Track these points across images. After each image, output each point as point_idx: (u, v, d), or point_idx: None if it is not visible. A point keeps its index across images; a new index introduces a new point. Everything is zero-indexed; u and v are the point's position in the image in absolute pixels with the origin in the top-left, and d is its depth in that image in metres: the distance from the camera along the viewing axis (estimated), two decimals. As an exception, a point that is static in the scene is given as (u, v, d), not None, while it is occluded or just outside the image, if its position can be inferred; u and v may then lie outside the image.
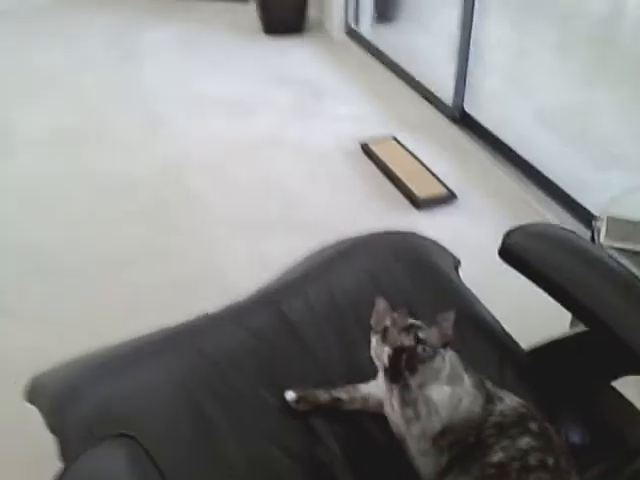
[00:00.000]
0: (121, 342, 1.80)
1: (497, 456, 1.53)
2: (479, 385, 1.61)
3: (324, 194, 3.95)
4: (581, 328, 1.84)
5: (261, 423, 1.66)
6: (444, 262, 2.14)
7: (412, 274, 2.04)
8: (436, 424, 1.55)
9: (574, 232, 1.97)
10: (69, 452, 1.46)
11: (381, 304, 1.67)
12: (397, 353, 1.49)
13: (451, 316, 1.58)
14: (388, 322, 1.59)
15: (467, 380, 1.60)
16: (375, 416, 1.68)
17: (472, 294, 2.01)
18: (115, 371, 1.68)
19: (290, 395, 1.73)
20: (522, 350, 1.93)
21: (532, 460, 1.52)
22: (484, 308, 2.01)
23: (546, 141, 4.15)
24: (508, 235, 1.88)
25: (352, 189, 4.00)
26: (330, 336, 1.88)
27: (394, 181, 4.03)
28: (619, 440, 1.71)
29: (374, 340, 1.61)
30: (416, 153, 4.31)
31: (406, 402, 1.54)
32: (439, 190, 3.92)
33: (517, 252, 1.84)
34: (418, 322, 1.57)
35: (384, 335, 1.56)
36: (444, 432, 1.55)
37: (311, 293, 2.01)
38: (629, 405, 1.80)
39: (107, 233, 3.48)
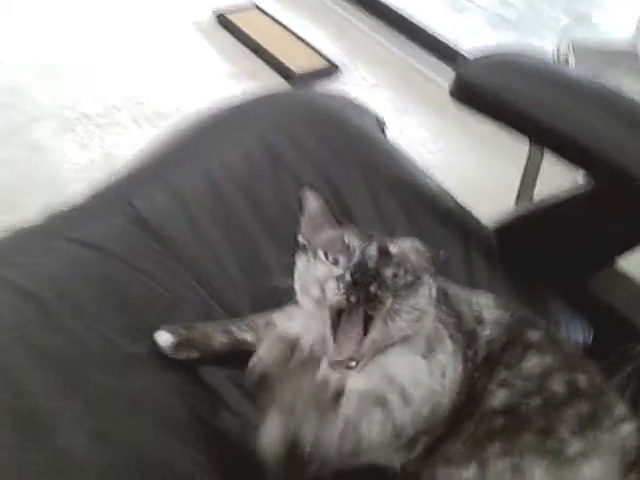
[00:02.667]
0: None
1: (498, 397, 0.97)
2: (457, 327, 1.03)
3: (177, 77, 3.14)
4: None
5: (121, 389, 0.99)
6: (366, 124, 1.51)
7: (328, 142, 1.41)
8: (407, 418, 0.95)
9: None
10: None
11: (312, 201, 1.04)
12: (356, 282, 0.89)
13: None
14: (329, 233, 1.00)
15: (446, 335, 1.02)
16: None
17: (411, 162, 1.41)
18: None
19: (163, 337, 1.07)
20: (488, 230, 1.38)
21: (556, 386, 0.98)
22: (430, 179, 1.43)
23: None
24: (464, 69, 1.27)
25: (211, 69, 3.27)
26: (213, 244, 1.22)
27: (262, 56, 3.32)
28: (629, 332, 1.26)
29: (303, 261, 0.99)
30: (284, 22, 3.58)
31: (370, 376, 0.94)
32: (317, 62, 3.28)
33: (479, 86, 1.24)
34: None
35: (326, 253, 0.95)
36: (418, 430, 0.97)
37: (177, 181, 1.31)
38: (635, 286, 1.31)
39: None
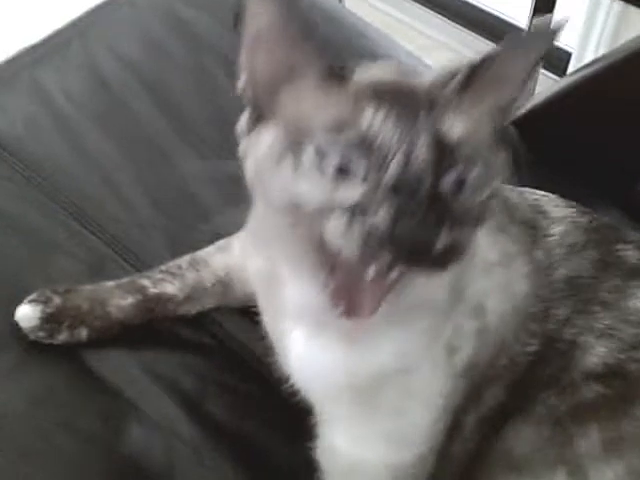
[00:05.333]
0: None
1: (596, 354, 0.60)
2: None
3: None
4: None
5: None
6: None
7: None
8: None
9: None
10: None
11: (265, 17, 0.50)
12: (397, 234, 0.46)
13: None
14: (321, 100, 0.50)
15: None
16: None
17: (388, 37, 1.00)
18: None
19: (25, 314, 0.66)
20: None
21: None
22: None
23: None
24: None
25: None
26: (102, 164, 0.81)
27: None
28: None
29: (270, 138, 0.51)
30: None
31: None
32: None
33: None
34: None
35: (320, 150, 0.48)
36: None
37: (46, 80, 0.87)
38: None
39: None
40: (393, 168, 0.46)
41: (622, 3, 1.80)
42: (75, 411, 0.62)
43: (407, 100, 0.49)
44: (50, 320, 0.66)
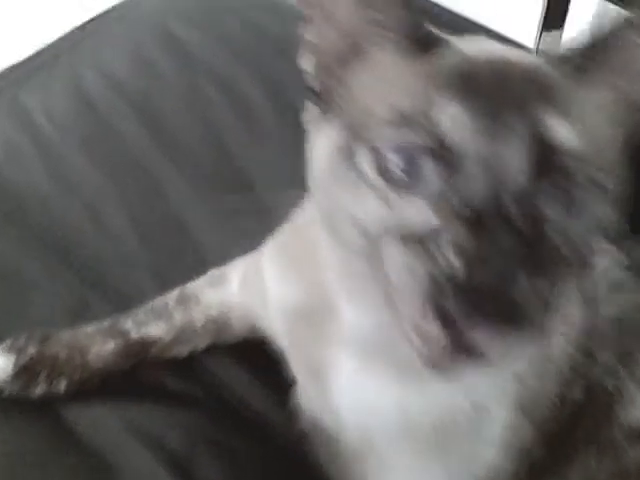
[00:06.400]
0: None
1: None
2: None
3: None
4: None
5: None
6: None
7: (263, 29, 0.93)
8: None
9: None
10: None
11: None
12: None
13: None
14: (395, 89, 0.40)
15: None
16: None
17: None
18: None
19: None
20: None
21: None
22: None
23: None
24: None
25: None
26: (85, 191, 0.77)
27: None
28: None
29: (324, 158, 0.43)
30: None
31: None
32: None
33: None
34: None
35: (379, 152, 0.38)
36: None
37: (27, 102, 0.82)
38: None
39: None
40: (476, 183, 0.35)
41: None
42: (48, 474, 0.56)
43: (502, 91, 0.37)
44: (25, 372, 0.59)
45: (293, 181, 0.79)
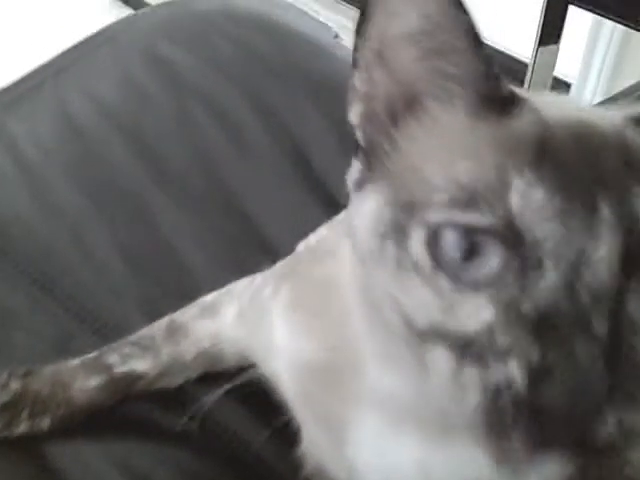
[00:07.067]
0: None
1: None
2: None
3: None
4: None
5: None
6: (312, 29, 1.02)
7: (255, 51, 0.91)
8: None
9: None
10: None
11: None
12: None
13: None
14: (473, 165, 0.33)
15: None
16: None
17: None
18: None
19: None
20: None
21: None
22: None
23: None
24: None
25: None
26: (70, 219, 0.73)
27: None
28: None
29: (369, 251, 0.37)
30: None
31: None
32: None
33: None
34: None
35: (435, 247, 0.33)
36: None
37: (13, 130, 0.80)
38: None
39: None
40: (551, 279, 0.29)
41: (623, 33, 1.75)
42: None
43: (589, 168, 0.31)
44: (7, 409, 0.57)
45: (286, 205, 0.78)
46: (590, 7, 1.15)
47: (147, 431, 0.61)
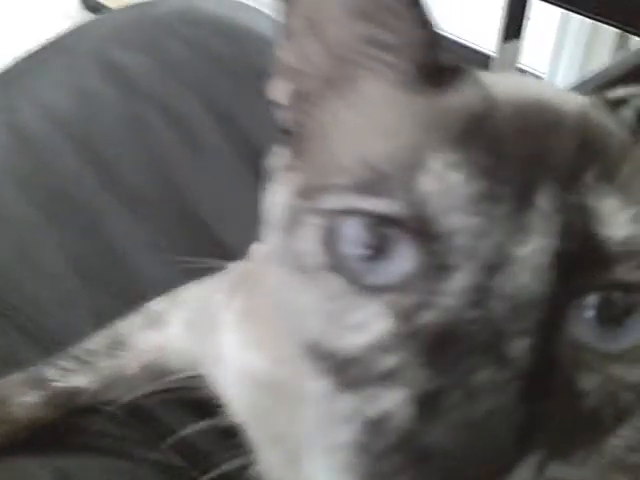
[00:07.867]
0: None
1: None
2: None
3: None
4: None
5: None
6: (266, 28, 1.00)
7: (211, 51, 0.89)
8: None
9: None
10: None
11: None
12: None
13: None
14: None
15: None
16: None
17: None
18: None
19: None
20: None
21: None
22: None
23: None
24: None
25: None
26: (20, 230, 0.70)
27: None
28: None
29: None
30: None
31: None
32: None
33: None
34: None
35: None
36: None
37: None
38: None
39: None
40: (457, 286, 0.23)
41: (590, 26, 1.75)
42: None
43: (530, 149, 0.26)
44: None
45: (243, 213, 0.76)
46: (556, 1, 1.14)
47: (99, 444, 0.59)
